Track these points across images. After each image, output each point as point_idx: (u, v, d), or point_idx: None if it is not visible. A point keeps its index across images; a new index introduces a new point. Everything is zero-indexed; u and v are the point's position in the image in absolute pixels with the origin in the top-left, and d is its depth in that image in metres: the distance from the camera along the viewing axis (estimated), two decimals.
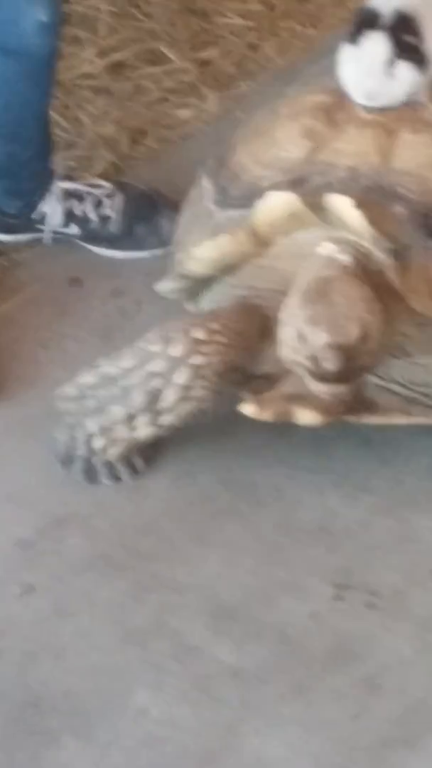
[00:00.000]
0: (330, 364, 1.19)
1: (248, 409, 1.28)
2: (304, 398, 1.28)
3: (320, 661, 1.14)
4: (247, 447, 1.39)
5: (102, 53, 1.95)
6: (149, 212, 1.64)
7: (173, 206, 1.55)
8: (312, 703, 1.11)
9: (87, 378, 1.32)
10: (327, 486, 1.33)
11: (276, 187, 1.34)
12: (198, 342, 1.28)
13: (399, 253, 1.29)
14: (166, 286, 1.41)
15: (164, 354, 1.28)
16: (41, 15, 1.49)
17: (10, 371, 1.49)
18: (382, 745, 1.05)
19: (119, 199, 1.64)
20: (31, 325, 1.58)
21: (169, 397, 1.29)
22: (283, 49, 1.98)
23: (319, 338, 1.19)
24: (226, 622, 1.18)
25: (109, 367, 1.32)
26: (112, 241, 1.65)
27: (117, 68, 1.96)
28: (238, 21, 2.06)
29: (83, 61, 1.93)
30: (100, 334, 1.52)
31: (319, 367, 1.21)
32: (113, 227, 1.65)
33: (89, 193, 1.65)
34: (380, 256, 1.29)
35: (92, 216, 1.65)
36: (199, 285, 1.42)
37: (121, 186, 1.66)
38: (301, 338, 1.21)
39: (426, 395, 1.35)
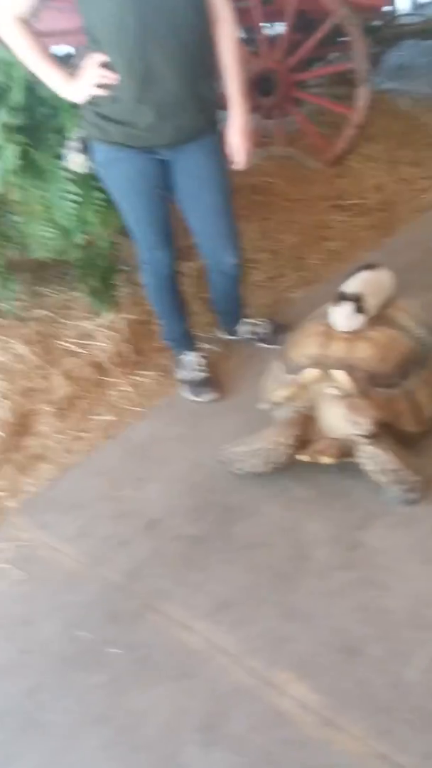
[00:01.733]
0: (371, 429, 1.90)
1: (302, 456, 2.05)
2: (323, 451, 2.02)
3: (304, 488, 2.13)
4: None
5: (267, 276, 3.20)
6: (280, 331, 2.62)
7: (288, 328, 2.44)
8: (295, 499, 2.09)
9: (235, 447, 2.13)
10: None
11: (308, 366, 2.05)
12: (277, 441, 2.04)
13: (361, 392, 1.99)
14: (263, 406, 2.17)
15: (261, 443, 2.07)
16: (232, 259, 2.38)
17: (229, 390, 2.59)
18: (337, 522, 1.99)
19: (269, 325, 2.69)
20: (237, 371, 2.68)
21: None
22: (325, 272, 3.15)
23: (365, 420, 1.91)
24: (273, 478, 2.14)
25: (239, 446, 2.12)
26: (266, 341, 2.68)
27: (269, 279, 3.21)
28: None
29: (256, 277, 3.14)
30: (255, 374, 2.44)
31: (366, 432, 1.90)
32: (266, 336, 2.68)
33: (257, 323, 2.71)
34: (354, 392, 1.97)
35: (259, 331, 2.70)
36: (274, 406, 2.12)
37: (270, 320, 2.71)
38: (355, 423, 1.92)
39: None
